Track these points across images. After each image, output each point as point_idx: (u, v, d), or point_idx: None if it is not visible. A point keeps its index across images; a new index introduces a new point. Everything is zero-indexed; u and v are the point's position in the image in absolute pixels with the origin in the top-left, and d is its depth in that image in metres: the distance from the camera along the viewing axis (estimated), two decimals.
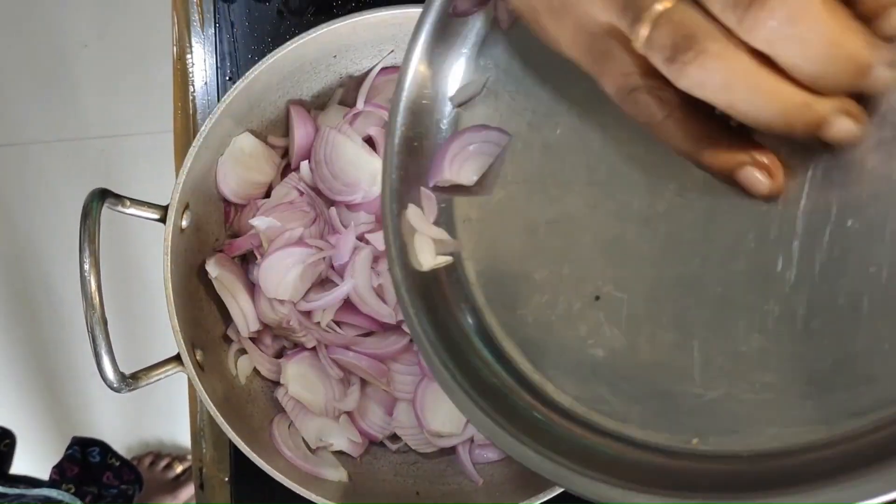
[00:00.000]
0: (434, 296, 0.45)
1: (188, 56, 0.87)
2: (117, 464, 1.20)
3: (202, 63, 0.87)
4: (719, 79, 0.28)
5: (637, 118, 0.32)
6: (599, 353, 0.38)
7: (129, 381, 0.56)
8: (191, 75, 0.87)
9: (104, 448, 1.21)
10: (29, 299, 1.73)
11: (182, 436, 1.71)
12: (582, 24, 0.33)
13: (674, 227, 0.36)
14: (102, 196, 0.56)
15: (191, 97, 0.88)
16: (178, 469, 1.66)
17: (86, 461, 1.17)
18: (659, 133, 0.32)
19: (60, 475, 1.16)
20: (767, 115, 0.29)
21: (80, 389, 1.71)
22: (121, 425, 1.71)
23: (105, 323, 0.53)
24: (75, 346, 1.72)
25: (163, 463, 1.66)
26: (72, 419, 1.73)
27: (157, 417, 1.71)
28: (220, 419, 0.59)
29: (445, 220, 0.46)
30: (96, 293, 0.52)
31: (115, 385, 0.54)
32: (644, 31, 0.29)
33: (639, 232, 0.37)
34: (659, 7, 0.29)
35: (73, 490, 1.11)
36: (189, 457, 1.68)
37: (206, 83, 0.86)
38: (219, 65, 0.82)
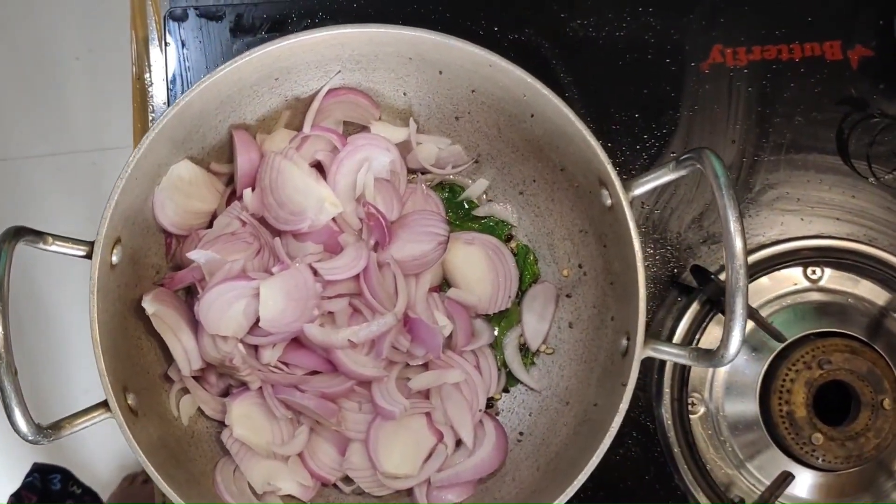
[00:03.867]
0: None
1: (146, 75, 0.84)
2: (79, 492, 1.17)
3: (161, 83, 0.83)
4: None
5: None
6: None
7: (48, 431, 0.52)
8: (150, 96, 0.84)
9: (66, 475, 1.18)
10: (16, 313, 1.70)
11: None
12: None
13: None
14: (17, 235, 0.53)
15: (150, 118, 0.84)
16: None
17: (46, 489, 1.14)
18: None
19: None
20: None
21: (71, 404, 1.68)
22: (114, 442, 1.68)
23: (15, 373, 0.49)
24: (56, 359, 1.68)
25: None
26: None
27: None
28: (150, 469, 0.55)
29: None
30: (2, 340, 0.49)
31: (30, 437, 0.51)
32: None
33: None
34: None
35: None
36: None
37: (165, 103, 0.83)
38: (170, 86, 0.78)
